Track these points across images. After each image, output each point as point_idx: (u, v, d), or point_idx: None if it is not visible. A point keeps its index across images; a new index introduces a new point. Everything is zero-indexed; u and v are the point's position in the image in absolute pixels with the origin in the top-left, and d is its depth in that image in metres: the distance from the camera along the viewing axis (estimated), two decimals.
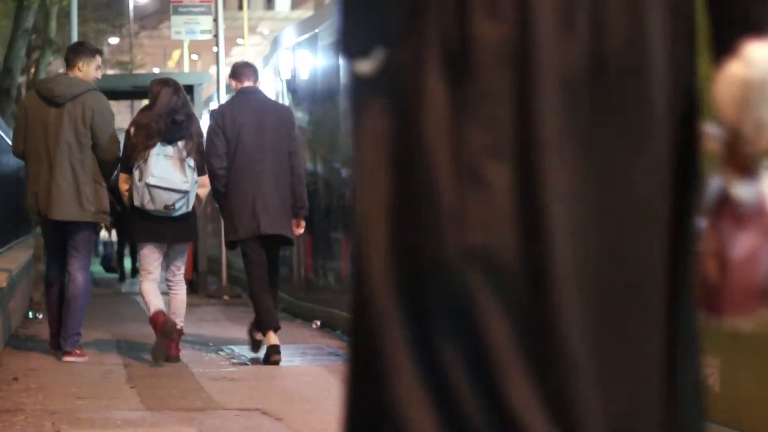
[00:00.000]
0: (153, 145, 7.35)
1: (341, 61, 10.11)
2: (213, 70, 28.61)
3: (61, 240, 7.64)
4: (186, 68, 26.98)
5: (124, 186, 7.61)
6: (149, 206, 7.34)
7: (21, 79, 23.89)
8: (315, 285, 11.09)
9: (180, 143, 7.49)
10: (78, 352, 7.60)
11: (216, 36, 15.66)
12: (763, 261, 1.75)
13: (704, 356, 1.96)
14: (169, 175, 7.33)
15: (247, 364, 7.71)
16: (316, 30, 11.03)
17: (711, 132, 1.78)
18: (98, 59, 7.79)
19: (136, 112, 8.16)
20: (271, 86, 13.29)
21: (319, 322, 10.40)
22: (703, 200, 1.76)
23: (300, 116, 11.81)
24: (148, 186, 7.29)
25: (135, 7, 41.01)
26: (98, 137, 7.45)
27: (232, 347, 8.56)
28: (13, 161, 12.43)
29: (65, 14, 23.99)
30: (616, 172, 1.66)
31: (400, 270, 1.66)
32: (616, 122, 1.64)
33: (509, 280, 1.61)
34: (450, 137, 1.63)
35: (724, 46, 1.71)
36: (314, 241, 11.18)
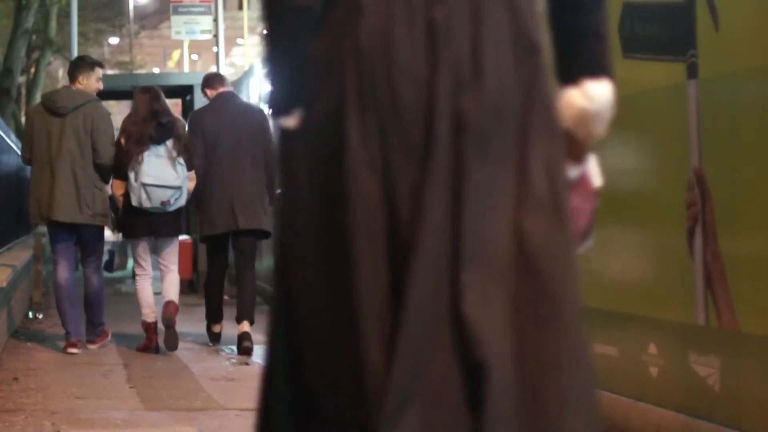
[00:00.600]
0: (146, 149, 7.88)
1: None
2: (213, 70, 28.63)
3: (68, 242, 8.19)
4: (186, 68, 27.01)
5: (118, 191, 8.09)
6: (146, 204, 7.85)
7: (21, 79, 23.89)
8: None
9: (168, 143, 8.00)
10: (102, 338, 8.45)
11: (216, 36, 15.67)
12: (583, 214, 2.62)
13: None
14: (162, 174, 7.84)
15: (247, 364, 7.71)
16: None
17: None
18: (98, 71, 8.30)
19: (135, 101, 8.54)
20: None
21: None
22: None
23: None
24: (144, 185, 7.79)
25: (135, 7, 41.02)
26: (97, 144, 7.97)
27: (232, 347, 8.56)
28: (12, 161, 12.43)
29: (65, 14, 23.99)
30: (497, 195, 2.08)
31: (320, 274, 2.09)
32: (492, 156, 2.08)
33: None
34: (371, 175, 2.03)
35: (569, 77, 2.25)
36: None
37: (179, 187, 7.95)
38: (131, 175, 7.84)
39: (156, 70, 41.86)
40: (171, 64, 51.95)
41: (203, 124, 8.38)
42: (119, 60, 37.56)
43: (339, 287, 2.03)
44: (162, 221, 8.06)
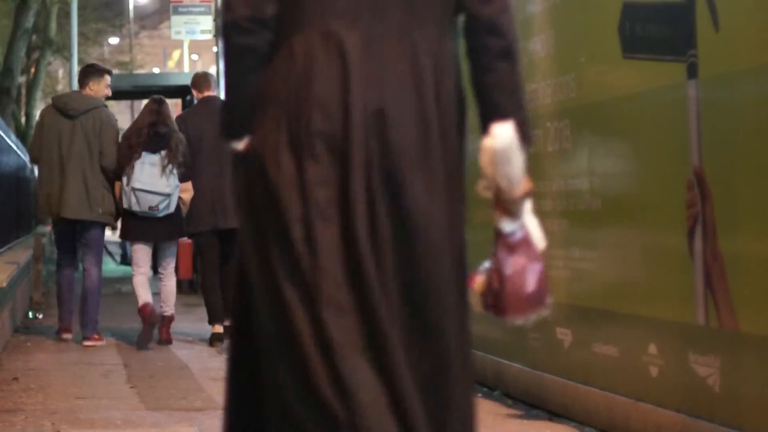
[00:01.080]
0: (138, 155, 8.36)
1: None
2: (213, 70, 28.59)
3: (71, 237, 8.65)
4: (186, 68, 27.00)
5: (118, 192, 8.53)
6: (135, 207, 8.35)
7: (21, 79, 23.89)
8: None
9: (162, 152, 8.45)
10: (96, 336, 8.62)
11: (216, 36, 15.66)
12: (530, 276, 2.61)
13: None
14: (153, 180, 8.31)
15: None
16: None
17: (483, 185, 2.69)
18: (107, 78, 8.77)
19: (136, 112, 9.22)
20: None
21: None
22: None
23: None
24: (134, 190, 8.30)
25: (135, 7, 41.01)
26: (104, 146, 8.46)
27: None
28: (12, 161, 12.43)
29: (65, 14, 23.99)
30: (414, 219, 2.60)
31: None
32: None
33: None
34: (298, 193, 2.58)
35: (484, 127, 2.68)
36: None
37: (168, 195, 8.40)
38: (124, 179, 8.35)
39: (156, 70, 41.84)
40: (171, 64, 51.94)
41: (186, 126, 8.76)
42: (119, 60, 37.51)
43: (266, 272, 2.63)
44: (157, 226, 8.51)
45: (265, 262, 2.60)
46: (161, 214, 8.41)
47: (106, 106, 8.78)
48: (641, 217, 4.95)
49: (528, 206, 2.79)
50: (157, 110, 8.61)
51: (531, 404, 5.94)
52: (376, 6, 2.68)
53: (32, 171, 18.54)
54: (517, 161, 2.74)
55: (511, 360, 6.30)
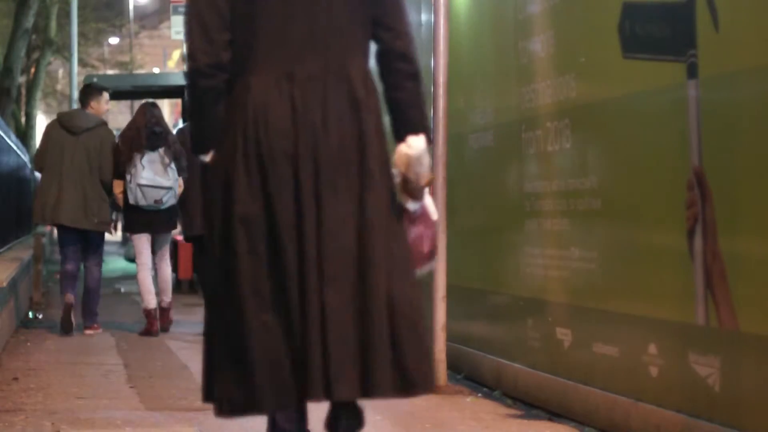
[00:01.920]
0: (139, 154, 9.07)
1: None
2: None
3: (75, 242, 9.38)
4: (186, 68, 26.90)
5: (118, 189, 9.24)
6: (141, 202, 9.08)
7: (21, 79, 23.87)
8: None
9: (161, 149, 9.15)
10: (95, 326, 9.41)
11: None
12: (426, 240, 3.59)
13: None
14: (155, 176, 9.06)
15: None
16: None
17: (395, 175, 3.52)
18: (105, 95, 9.55)
19: (135, 112, 9.73)
20: None
21: None
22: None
23: None
24: (140, 186, 9.03)
25: (135, 7, 40.97)
26: (104, 162, 9.22)
27: None
28: (12, 161, 12.43)
29: (65, 14, 23.99)
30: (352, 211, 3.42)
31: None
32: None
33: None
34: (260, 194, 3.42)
35: (399, 137, 3.55)
36: None
37: (170, 188, 9.15)
38: (128, 177, 9.06)
39: (156, 70, 41.82)
40: (171, 64, 51.91)
41: (185, 136, 9.09)
42: (119, 60, 37.51)
43: (228, 275, 3.48)
44: (157, 218, 9.26)
45: (217, 250, 3.52)
46: (164, 206, 9.16)
47: (106, 124, 9.55)
48: (641, 217, 4.95)
49: (427, 190, 3.63)
50: (152, 112, 9.35)
51: (531, 404, 5.94)
52: (319, 45, 3.48)
53: (32, 171, 18.59)
54: (426, 162, 3.55)
55: (511, 360, 6.30)
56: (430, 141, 3.89)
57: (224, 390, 3.65)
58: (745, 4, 4.24)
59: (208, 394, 3.81)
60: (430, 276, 6.41)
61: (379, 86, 3.59)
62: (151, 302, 9.28)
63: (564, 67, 5.67)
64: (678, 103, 4.60)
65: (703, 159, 4.46)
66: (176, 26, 15.85)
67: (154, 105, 9.51)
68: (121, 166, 9.11)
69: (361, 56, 3.56)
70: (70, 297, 9.27)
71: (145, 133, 9.10)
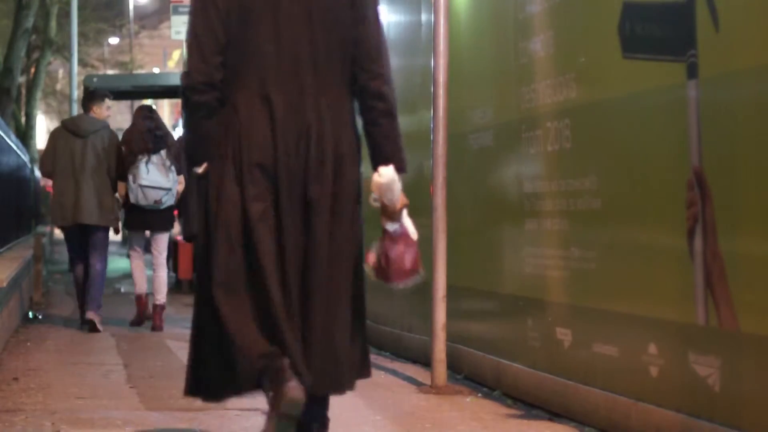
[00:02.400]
0: (143, 156, 9.65)
1: None
2: None
3: (81, 240, 9.93)
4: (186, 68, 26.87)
5: (121, 191, 9.83)
6: (143, 202, 9.68)
7: (21, 79, 23.87)
8: None
9: (162, 152, 9.75)
10: (96, 311, 9.80)
11: None
12: (407, 257, 4.09)
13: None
14: (156, 177, 9.65)
15: None
16: None
17: (373, 200, 4.08)
18: (107, 101, 10.10)
19: (134, 116, 10.36)
20: None
21: None
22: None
23: None
24: (141, 186, 9.62)
25: (135, 7, 40.96)
26: (110, 161, 9.81)
27: None
28: (12, 161, 12.43)
29: (65, 14, 23.98)
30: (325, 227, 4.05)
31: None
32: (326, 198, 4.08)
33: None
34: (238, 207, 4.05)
35: (374, 166, 4.09)
36: None
37: (170, 189, 9.75)
38: (130, 178, 9.63)
39: (156, 70, 41.81)
40: (171, 64, 51.89)
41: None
42: (119, 60, 37.51)
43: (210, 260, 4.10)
44: (155, 217, 9.84)
45: (207, 250, 4.14)
46: (164, 206, 9.75)
47: (108, 126, 10.11)
48: (641, 217, 4.95)
49: (405, 212, 4.15)
50: (151, 116, 9.95)
51: (531, 404, 5.94)
52: (295, 75, 4.10)
53: (32, 171, 18.56)
54: (396, 189, 4.09)
55: (511, 360, 6.30)
56: (403, 170, 4.16)
57: (212, 375, 4.17)
58: (745, 4, 4.24)
59: (192, 389, 4.26)
60: (430, 276, 6.42)
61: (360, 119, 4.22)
62: (143, 287, 10.12)
63: (564, 67, 5.67)
64: (678, 103, 4.60)
65: (703, 159, 4.46)
66: (176, 26, 15.85)
67: (151, 109, 10.17)
68: (125, 170, 9.71)
69: (336, 89, 4.14)
70: (91, 315, 9.75)
71: (148, 137, 9.66)
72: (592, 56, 5.39)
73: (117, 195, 9.83)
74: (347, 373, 4.14)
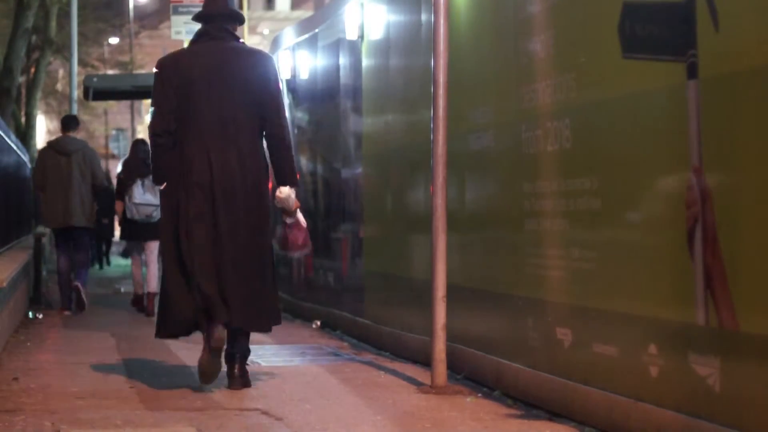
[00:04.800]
0: (137, 180, 11.66)
1: (341, 60, 10.11)
2: None
3: (66, 240, 12.21)
4: None
5: (119, 209, 11.93)
6: (136, 216, 11.75)
7: (21, 79, 23.85)
8: (315, 285, 11.10)
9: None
10: (82, 285, 12.11)
11: None
12: (299, 238, 6.66)
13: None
14: (148, 197, 11.65)
15: (246, 364, 7.71)
16: (316, 30, 11.02)
17: (278, 204, 6.57)
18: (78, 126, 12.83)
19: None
20: None
21: (319, 322, 10.41)
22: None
23: (300, 116, 11.80)
24: (135, 204, 11.70)
25: (135, 7, 40.94)
26: (95, 171, 12.10)
27: None
28: (12, 161, 12.45)
29: (65, 14, 23.95)
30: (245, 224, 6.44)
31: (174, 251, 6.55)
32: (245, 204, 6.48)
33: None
34: (184, 211, 6.43)
35: (276, 184, 6.53)
36: (314, 241, 11.17)
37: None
38: (126, 198, 11.73)
39: (156, 70, 41.73)
40: None
41: None
42: (119, 60, 37.47)
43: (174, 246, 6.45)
44: (147, 229, 11.71)
45: (168, 238, 6.45)
46: (154, 220, 11.49)
47: (87, 144, 12.66)
48: (641, 217, 4.95)
49: (298, 211, 6.62)
50: (144, 148, 11.78)
51: (531, 404, 5.94)
52: (223, 126, 6.37)
53: (33, 171, 18.55)
54: (291, 199, 6.49)
55: (511, 360, 6.30)
56: (295, 186, 6.53)
57: (169, 322, 6.53)
58: (745, 4, 4.24)
59: (158, 333, 6.61)
60: (430, 276, 6.42)
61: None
62: (139, 290, 12.29)
63: (564, 67, 5.67)
64: (678, 103, 4.60)
65: (703, 159, 4.46)
66: (176, 26, 15.85)
67: (144, 142, 12.05)
68: (123, 191, 11.79)
69: (250, 134, 6.43)
70: (78, 285, 12.01)
71: (142, 165, 11.50)
72: (592, 56, 5.39)
73: (117, 211, 12.01)
74: (260, 316, 6.44)
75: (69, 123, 12.60)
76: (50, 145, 12.28)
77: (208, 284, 6.22)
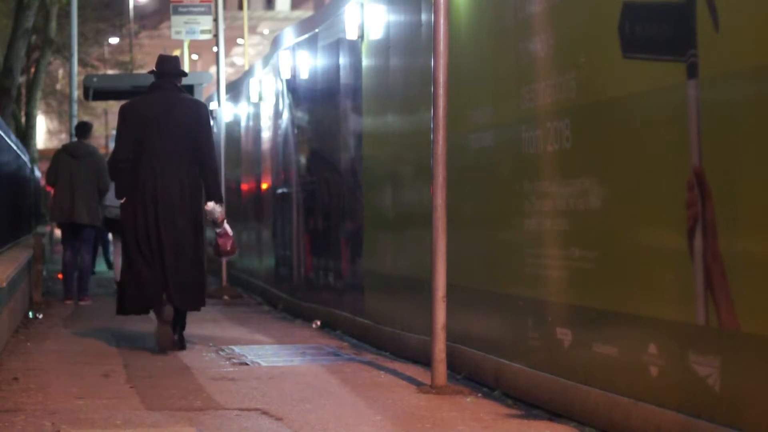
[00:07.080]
0: (109, 187, 12.77)
1: (341, 60, 10.12)
2: (213, 70, 28.48)
3: (73, 237, 13.32)
4: (186, 68, 26.87)
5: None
6: (109, 215, 12.95)
7: (21, 79, 23.85)
8: (315, 285, 11.09)
9: None
10: (87, 298, 13.36)
11: (216, 36, 15.66)
12: (228, 244, 8.93)
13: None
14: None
15: (247, 364, 7.72)
16: (316, 30, 11.02)
17: (206, 217, 8.79)
18: (91, 130, 14.34)
19: None
20: (271, 86, 13.29)
21: (319, 322, 10.40)
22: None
23: (300, 116, 11.80)
24: (104, 206, 12.99)
25: (135, 7, 40.95)
26: (101, 176, 12.99)
27: (232, 347, 8.57)
28: (12, 161, 12.45)
29: (65, 14, 23.94)
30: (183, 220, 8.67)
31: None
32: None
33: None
34: (137, 216, 8.67)
35: (207, 199, 8.72)
36: (314, 241, 11.18)
37: None
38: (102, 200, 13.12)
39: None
40: None
41: None
42: (119, 60, 37.49)
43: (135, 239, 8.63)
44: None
45: (127, 230, 8.57)
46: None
47: (97, 149, 13.96)
48: (641, 217, 4.95)
49: (225, 222, 8.76)
50: None
51: (531, 404, 5.94)
52: (169, 157, 8.47)
53: (32, 171, 18.55)
54: (218, 212, 8.61)
55: (511, 360, 6.30)
56: (220, 201, 8.67)
57: (129, 299, 8.52)
58: (745, 4, 4.24)
59: (118, 311, 8.65)
60: (430, 276, 6.42)
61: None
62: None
63: (564, 67, 5.67)
64: (678, 103, 4.60)
65: (703, 159, 4.46)
66: (176, 26, 15.84)
67: None
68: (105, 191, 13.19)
69: (189, 164, 8.50)
70: (86, 301, 13.21)
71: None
72: (592, 56, 5.39)
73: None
74: (194, 300, 8.53)
75: (81, 129, 14.11)
76: (64, 148, 13.71)
77: (156, 275, 8.34)
